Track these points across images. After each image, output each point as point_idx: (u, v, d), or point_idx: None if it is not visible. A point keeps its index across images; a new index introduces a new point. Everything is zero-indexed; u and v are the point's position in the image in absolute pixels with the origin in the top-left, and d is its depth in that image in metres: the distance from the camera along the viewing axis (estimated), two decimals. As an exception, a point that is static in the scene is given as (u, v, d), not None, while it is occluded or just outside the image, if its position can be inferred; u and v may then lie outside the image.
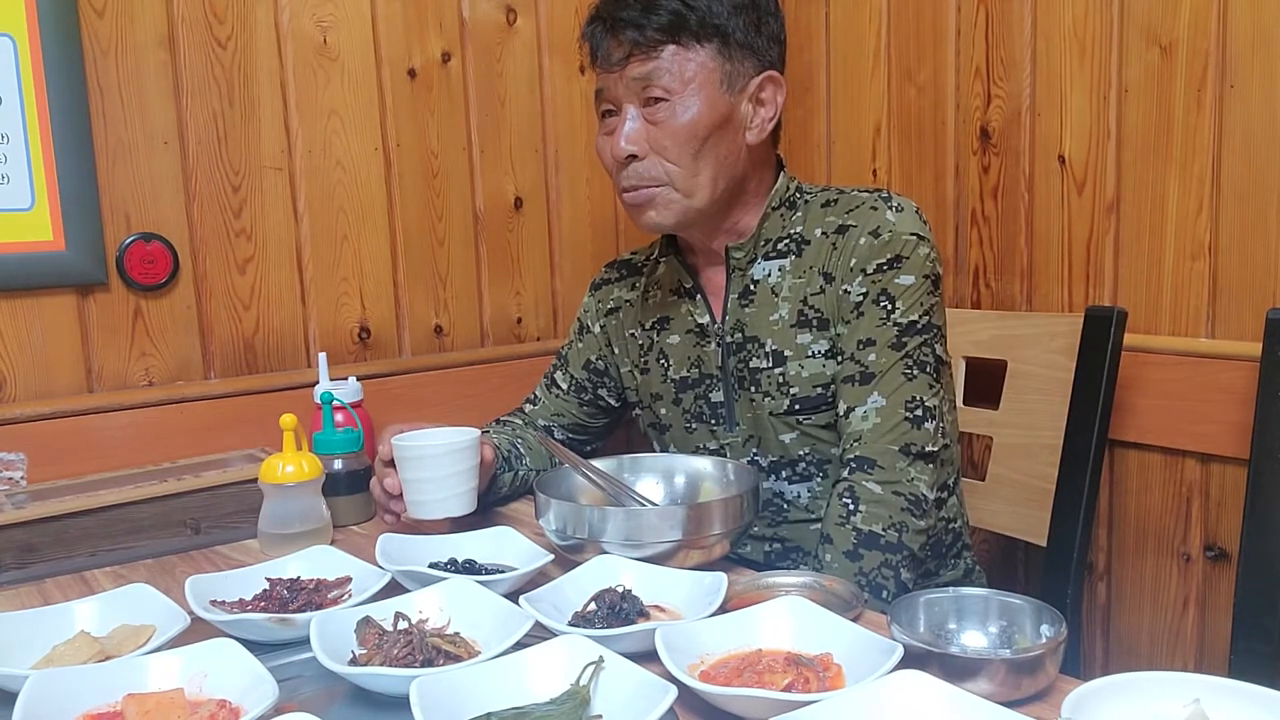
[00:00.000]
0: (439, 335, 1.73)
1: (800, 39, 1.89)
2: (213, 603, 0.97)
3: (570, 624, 0.90)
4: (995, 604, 0.88)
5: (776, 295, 1.26)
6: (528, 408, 1.49)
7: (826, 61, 1.87)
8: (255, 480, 1.21)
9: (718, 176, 1.22)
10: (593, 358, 1.46)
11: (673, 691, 0.72)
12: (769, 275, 1.27)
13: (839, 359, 1.22)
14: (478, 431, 1.21)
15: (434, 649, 0.83)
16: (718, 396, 1.31)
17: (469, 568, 1.04)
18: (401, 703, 0.73)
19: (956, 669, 0.77)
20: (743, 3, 1.20)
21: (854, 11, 1.81)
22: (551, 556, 1.05)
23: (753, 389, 1.27)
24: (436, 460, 1.16)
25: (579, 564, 1.02)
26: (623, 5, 1.19)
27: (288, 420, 1.19)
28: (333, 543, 1.18)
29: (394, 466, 1.19)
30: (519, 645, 0.82)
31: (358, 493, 1.32)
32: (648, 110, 1.20)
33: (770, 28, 1.24)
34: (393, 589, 0.98)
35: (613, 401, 1.47)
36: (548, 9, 1.79)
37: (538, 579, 1.01)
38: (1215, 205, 1.38)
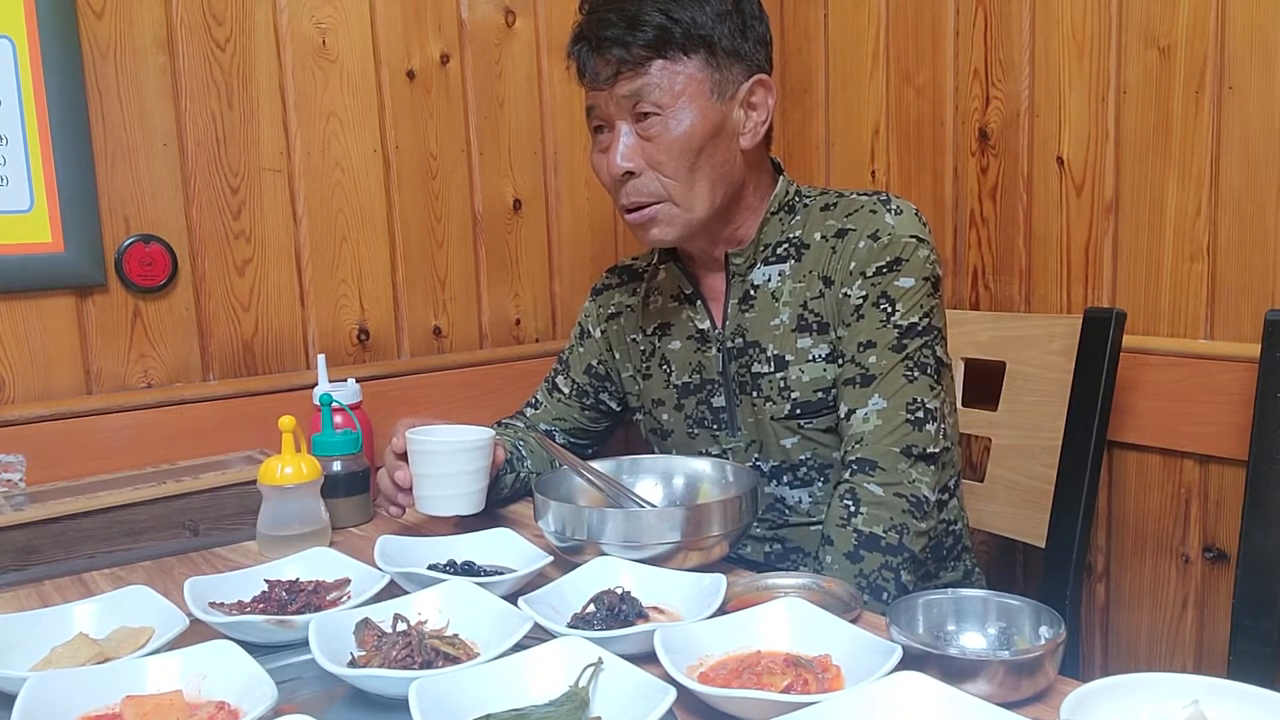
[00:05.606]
0: (438, 337, 1.73)
1: (799, 40, 1.89)
2: (211, 604, 0.97)
3: (569, 626, 0.90)
4: (994, 605, 0.88)
5: (777, 300, 1.26)
6: (529, 411, 1.49)
7: (825, 63, 1.87)
8: (254, 482, 1.21)
9: (715, 186, 1.22)
10: (594, 362, 1.46)
11: (672, 693, 0.72)
12: (769, 280, 1.27)
13: (839, 362, 1.22)
14: (492, 431, 1.21)
15: (433, 651, 0.83)
16: (719, 402, 1.31)
17: (468, 569, 1.04)
18: (400, 705, 0.73)
19: (955, 670, 0.77)
20: (726, 9, 1.19)
21: (853, 13, 1.81)
22: (550, 558, 1.05)
23: (754, 394, 1.27)
24: (450, 457, 1.16)
25: (578, 565, 1.02)
26: (606, 24, 1.17)
27: (286, 422, 1.19)
28: (331, 544, 1.18)
29: (405, 459, 1.19)
30: (518, 647, 0.82)
31: (357, 494, 1.32)
32: (640, 125, 1.19)
33: (756, 31, 1.23)
34: (392, 591, 0.98)
35: (614, 405, 1.47)
36: (547, 10, 1.79)
37: (537, 580, 1.01)
38: (1214, 206, 1.38)
